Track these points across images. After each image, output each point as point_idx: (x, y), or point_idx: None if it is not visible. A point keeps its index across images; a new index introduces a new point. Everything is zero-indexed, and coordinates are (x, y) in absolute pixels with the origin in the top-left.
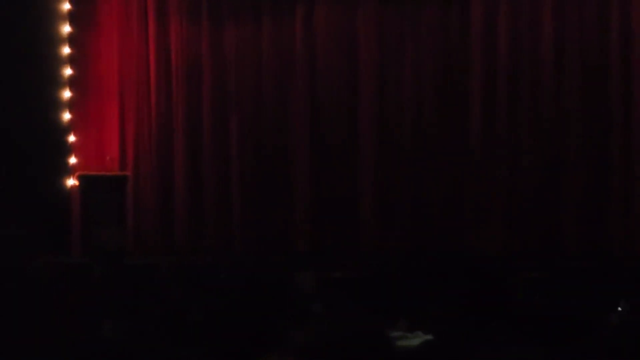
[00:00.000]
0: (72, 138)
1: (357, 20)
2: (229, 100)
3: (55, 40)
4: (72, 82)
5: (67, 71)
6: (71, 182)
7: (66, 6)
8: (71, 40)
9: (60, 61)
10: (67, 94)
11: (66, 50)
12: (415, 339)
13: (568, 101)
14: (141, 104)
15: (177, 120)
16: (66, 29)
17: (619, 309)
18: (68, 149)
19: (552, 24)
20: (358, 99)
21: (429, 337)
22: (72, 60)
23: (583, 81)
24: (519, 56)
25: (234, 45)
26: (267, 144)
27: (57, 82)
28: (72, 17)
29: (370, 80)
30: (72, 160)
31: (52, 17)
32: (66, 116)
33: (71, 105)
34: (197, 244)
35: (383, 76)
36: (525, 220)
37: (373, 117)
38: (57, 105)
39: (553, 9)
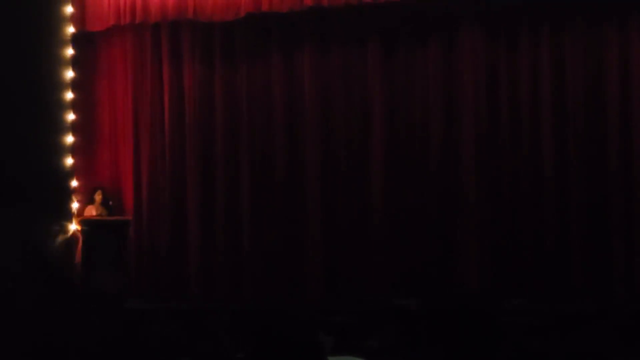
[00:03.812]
0: (74, 183)
1: (366, 61)
2: (241, 139)
3: (58, 86)
4: (74, 127)
5: (70, 116)
6: (73, 226)
7: (69, 52)
8: (74, 85)
9: (63, 106)
10: (69, 139)
11: (69, 95)
12: None
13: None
14: (155, 144)
15: (190, 161)
16: (69, 74)
17: None
18: (70, 194)
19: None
20: (369, 136)
21: None
22: (74, 105)
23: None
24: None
25: (246, 84)
26: (278, 181)
27: (60, 127)
28: (75, 62)
29: (380, 118)
30: (75, 205)
31: (55, 62)
32: (69, 161)
33: (73, 150)
34: (208, 288)
35: (392, 115)
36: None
37: (384, 155)
38: (60, 150)
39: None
